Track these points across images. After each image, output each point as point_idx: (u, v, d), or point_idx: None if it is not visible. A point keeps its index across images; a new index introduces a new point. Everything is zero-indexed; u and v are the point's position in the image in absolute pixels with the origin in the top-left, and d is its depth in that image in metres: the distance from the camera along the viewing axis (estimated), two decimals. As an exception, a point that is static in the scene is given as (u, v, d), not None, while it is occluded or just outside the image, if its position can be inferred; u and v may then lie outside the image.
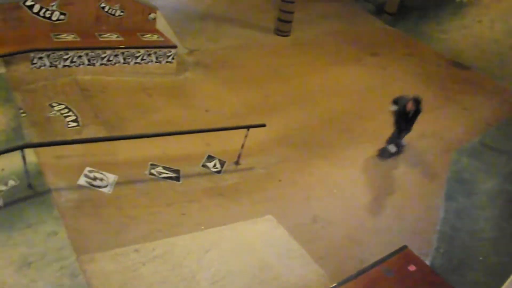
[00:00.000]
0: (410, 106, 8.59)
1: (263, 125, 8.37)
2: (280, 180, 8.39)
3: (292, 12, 13.89)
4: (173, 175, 7.77)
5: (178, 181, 7.73)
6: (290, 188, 8.31)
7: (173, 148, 8.30)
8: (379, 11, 16.73)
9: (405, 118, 8.87)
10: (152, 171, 7.74)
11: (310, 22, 15.23)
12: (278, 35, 14.11)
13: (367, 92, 11.66)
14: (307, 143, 9.52)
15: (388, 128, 9.22)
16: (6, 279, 5.61)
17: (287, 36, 14.14)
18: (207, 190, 7.82)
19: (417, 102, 8.60)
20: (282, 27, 14.15)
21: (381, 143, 9.38)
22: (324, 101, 11.01)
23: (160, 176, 7.70)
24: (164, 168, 7.85)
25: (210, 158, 8.39)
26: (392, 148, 9.27)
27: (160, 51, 10.72)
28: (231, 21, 14.31)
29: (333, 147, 9.52)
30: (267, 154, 9.02)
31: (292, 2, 13.54)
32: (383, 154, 9.31)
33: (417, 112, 8.76)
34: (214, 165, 8.28)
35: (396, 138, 9.25)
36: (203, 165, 8.23)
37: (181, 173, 7.88)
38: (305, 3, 15.64)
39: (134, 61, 10.50)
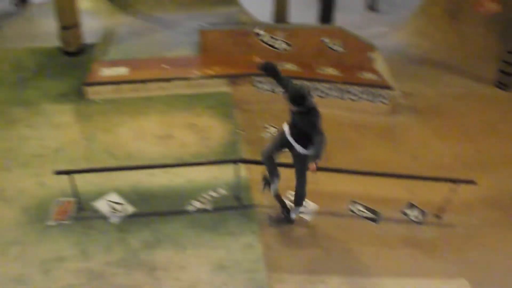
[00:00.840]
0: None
1: (473, 182, 7.80)
2: (482, 244, 7.72)
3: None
4: (372, 216, 7.65)
5: (376, 222, 7.57)
6: (492, 255, 7.51)
7: (375, 188, 8.16)
8: None
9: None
10: (352, 207, 7.71)
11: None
12: (499, 88, 13.12)
13: None
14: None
15: None
16: (202, 276, 6.11)
17: (509, 90, 13.11)
18: (403, 238, 7.52)
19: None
20: (504, 80, 13.14)
21: None
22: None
23: (359, 214, 7.65)
24: (364, 207, 7.77)
25: (412, 206, 8.08)
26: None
27: (375, 90, 10.73)
28: (449, 68, 13.78)
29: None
30: (472, 213, 8.33)
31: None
32: None
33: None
34: (414, 215, 7.95)
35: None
36: (403, 212, 7.96)
37: (380, 215, 7.72)
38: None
39: (348, 97, 10.67)
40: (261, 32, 11.58)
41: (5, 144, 8.83)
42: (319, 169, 6.26)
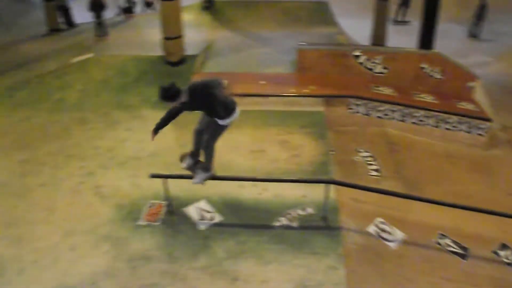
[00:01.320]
0: None
1: None
2: None
3: None
4: (460, 251, 7.41)
5: (464, 259, 7.32)
6: None
7: (465, 223, 7.89)
8: None
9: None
10: (440, 240, 7.52)
11: None
12: None
13: None
14: None
15: None
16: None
17: None
18: (492, 279, 7.18)
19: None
20: None
21: None
22: None
23: (447, 248, 7.45)
24: (453, 241, 7.55)
25: (504, 246, 7.75)
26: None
27: (473, 121, 10.40)
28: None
29: None
30: None
31: None
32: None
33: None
34: (506, 255, 7.62)
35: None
36: (494, 252, 7.65)
37: (469, 252, 7.48)
38: None
39: (444, 126, 10.43)
40: (359, 54, 11.62)
41: (107, 143, 9.50)
42: (410, 197, 6.20)
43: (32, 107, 10.94)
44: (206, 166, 6.95)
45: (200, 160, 7.01)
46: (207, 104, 6.33)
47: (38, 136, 9.83)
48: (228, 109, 6.46)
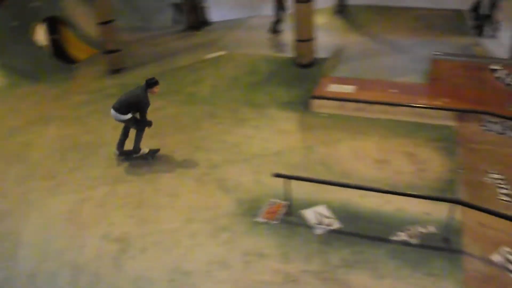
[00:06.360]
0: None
1: None
2: None
3: None
4: None
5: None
6: None
7: None
8: None
9: None
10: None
11: None
12: None
13: None
14: None
15: None
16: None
17: None
18: None
19: None
20: None
21: None
22: None
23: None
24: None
25: None
26: None
27: None
28: None
29: None
30: None
31: None
32: None
33: None
34: None
35: None
36: None
37: None
38: None
39: None
40: (498, 68, 10.95)
41: (233, 139, 9.88)
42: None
43: (166, 98, 11.63)
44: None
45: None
46: None
47: (169, 126, 10.52)
48: None
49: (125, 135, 9.19)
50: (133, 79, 12.36)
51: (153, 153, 9.37)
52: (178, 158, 9.40)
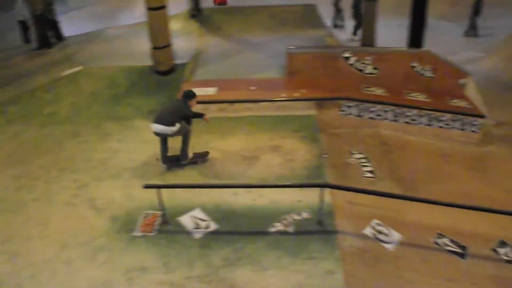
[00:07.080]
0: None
1: None
2: None
3: None
4: (458, 250, 7.33)
5: (463, 258, 7.24)
6: None
7: (463, 222, 7.81)
8: None
9: None
10: (438, 240, 7.43)
11: None
12: None
13: None
14: None
15: None
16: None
17: None
18: (492, 277, 7.09)
19: None
20: None
21: None
22: None
23: (445, 248, 7.36)
24: (451, 241, 7.47)
25: (503, 244, 7.67)
26: None
27: (466, 118, 10.34)
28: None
29: None
30: None
31: None
32: None
33: None
34: (506, 253, 7.54)
35: None
36: (493, 250, 7.57)
37: (468, 251, 7.39)
38: None
39: (437, 124, 10.36)
40: (349, 55, 11.57)
41: (100, 155, 9.40)
42: (406, 198, 6.13)
43: (24, 122, 10.89)
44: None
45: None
46: None
47: (30, 151, 9.76)
48: None
49: (165, 146, 8.91)
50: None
51: (200, 156, 9.12)
52: (44, 183, 8.70)
